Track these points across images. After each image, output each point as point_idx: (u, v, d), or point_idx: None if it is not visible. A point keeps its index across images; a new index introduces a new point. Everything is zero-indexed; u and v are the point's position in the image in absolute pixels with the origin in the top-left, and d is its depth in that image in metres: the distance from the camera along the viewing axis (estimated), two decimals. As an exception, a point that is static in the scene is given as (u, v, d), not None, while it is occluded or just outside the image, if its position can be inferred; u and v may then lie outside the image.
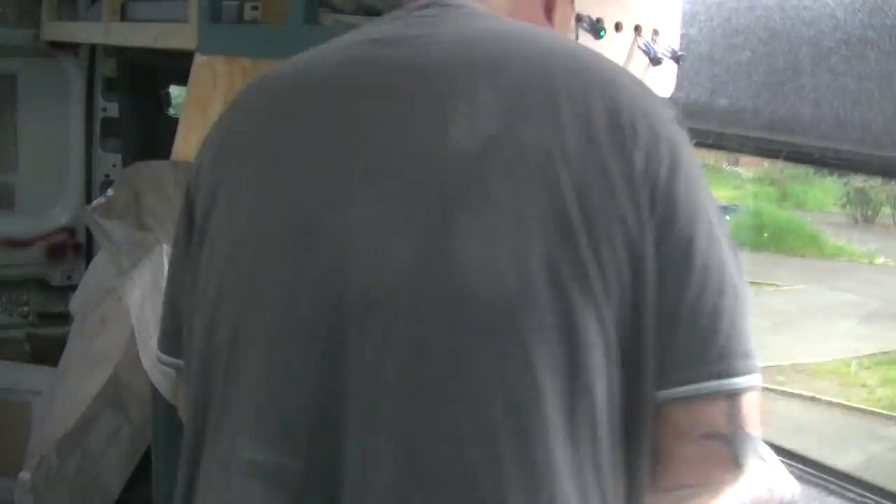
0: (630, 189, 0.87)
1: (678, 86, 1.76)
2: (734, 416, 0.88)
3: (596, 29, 1.52)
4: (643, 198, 0.87)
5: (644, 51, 1.62)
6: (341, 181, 0.93)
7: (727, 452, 0.89)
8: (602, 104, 0.90)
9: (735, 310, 0.89)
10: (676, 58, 1.67)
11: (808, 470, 1.74)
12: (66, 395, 2.80)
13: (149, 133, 3.42)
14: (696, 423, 0.89)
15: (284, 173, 0.97)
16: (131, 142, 3.47)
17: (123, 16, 2.93)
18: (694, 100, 1.86)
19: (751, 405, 0.89)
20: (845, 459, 4.64)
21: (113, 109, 3.55)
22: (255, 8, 2.25)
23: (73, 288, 3.16)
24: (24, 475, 2.71)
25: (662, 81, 1.72)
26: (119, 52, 3.49)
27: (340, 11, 1.99)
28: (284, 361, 0.92)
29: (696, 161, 0.98)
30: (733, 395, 0.88)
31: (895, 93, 1.58)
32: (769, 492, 1.01)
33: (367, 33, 1.04)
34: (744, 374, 0.88)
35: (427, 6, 1.01)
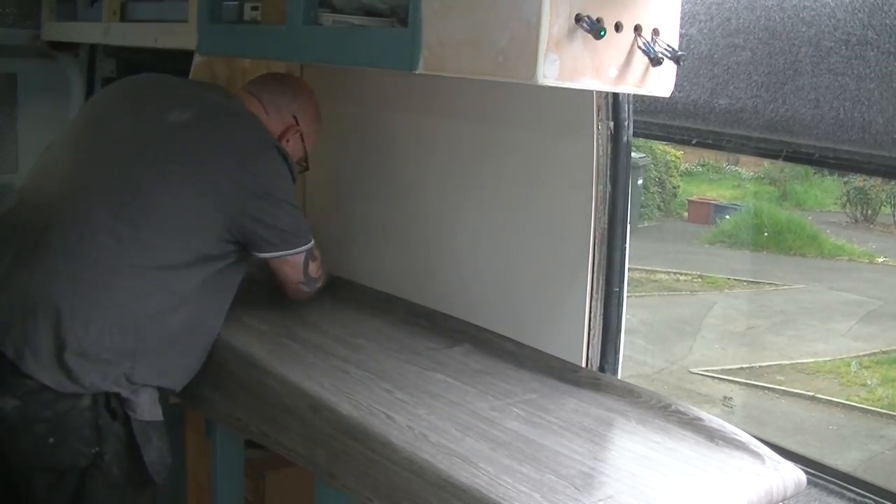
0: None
1: (678, 86, 1.76)
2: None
3: (596, 29, 1.52)
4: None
5: (644, 51, 1.62)
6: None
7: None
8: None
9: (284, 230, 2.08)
10: (676, 58, 1.67)
11: (809, 470, 1.74)
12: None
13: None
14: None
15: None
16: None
17: (123, 16, 2.93)
18: (694, 100, 1.85)
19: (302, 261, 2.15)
20: (845, 459, 4.64)
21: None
22: (255, 8, 2.24)
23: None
24: None
25: (662, 81, 1.72)
26: (119, 53, 3.49)
27: (340, 11, 1.99)
28: None
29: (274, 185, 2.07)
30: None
31: (895, 93, 1.58)
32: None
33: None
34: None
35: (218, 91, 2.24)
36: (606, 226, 2.01)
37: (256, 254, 2.07)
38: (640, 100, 1.94)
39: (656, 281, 7.49)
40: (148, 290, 1.91)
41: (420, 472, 1.52)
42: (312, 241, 2.15)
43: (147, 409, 1.92)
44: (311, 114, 2.31)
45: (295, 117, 2.24)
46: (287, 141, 2.22)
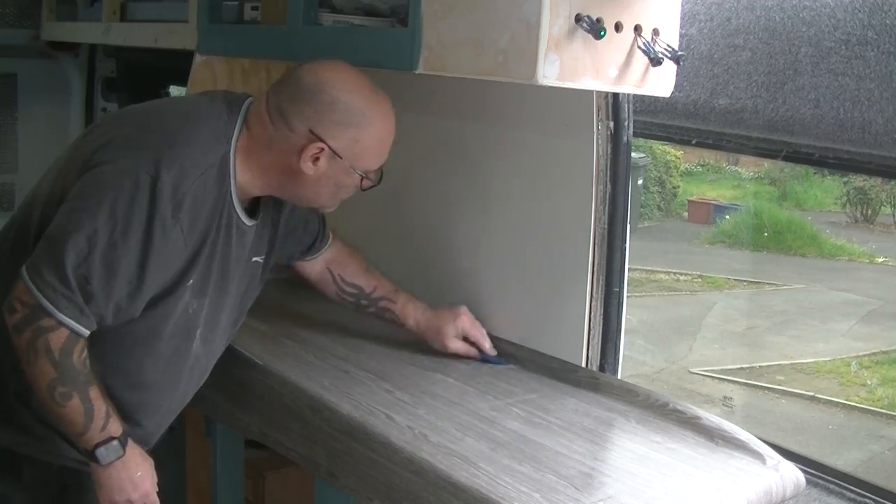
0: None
1: (678, 86, 1.76)
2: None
3: (596, 29, 1.52)
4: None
5: (644, 51, 1.62)
6: None
7: None
8: None
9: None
10: (676, 58, 1.67)
11: (808, 470, 1.74)
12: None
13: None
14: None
15: None
16: (131, 142, 3.47)
17: (123, 16, 2.93)
18: (694, 100, 1.85)
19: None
20: (845, 459, 4.65)
21: (112, 109, 3.55)
22: (255, 8, 2.24)
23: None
24: None
25: (662, 81, 1.72)
26: (118, 53, 3.49)
27: (340, 11, 1.99)
28: None
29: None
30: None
31: (895, 93, 1.58)
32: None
33: None
34: None
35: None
36: (606, 226, 2.00)
37: None
38: (640, 100, 1.94)
39: (656, 281, 7.50)
40: None
41: (420, 472, 1.52)
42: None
43: None
44: (337, 121, 1.64)
45: (312, 132, 1.63)
46: (315, 162, 1.65)
